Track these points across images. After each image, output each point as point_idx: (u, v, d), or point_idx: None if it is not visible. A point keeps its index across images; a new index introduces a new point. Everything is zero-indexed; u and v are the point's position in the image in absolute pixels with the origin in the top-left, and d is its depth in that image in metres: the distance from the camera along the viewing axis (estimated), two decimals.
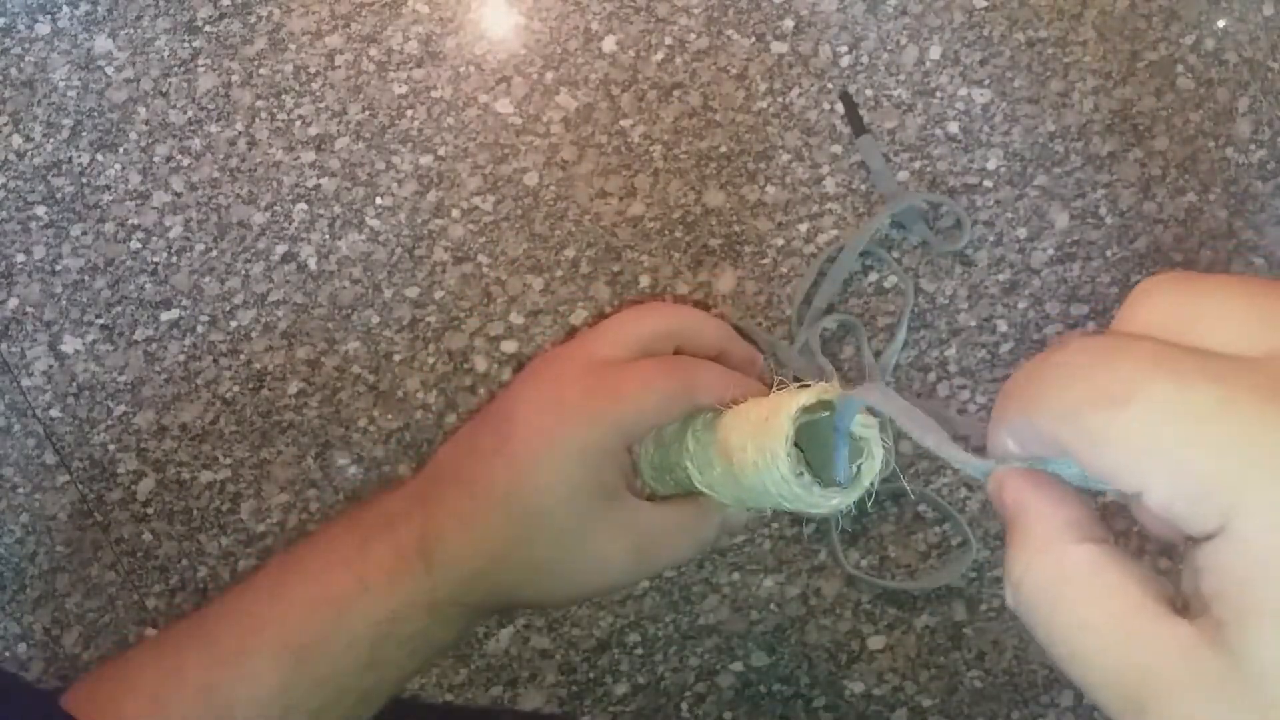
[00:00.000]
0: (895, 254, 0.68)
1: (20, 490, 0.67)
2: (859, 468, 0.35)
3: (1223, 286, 0.18)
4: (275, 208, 0.68)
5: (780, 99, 0.68)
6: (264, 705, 0.35)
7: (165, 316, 0.68)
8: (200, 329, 0.68)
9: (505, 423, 0.35)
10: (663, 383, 0.35)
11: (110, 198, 0.68)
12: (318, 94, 0.69)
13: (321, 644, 0.35)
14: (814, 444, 0.35)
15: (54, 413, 0.68)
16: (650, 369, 0.35)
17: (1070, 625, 0.19)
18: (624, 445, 0.35)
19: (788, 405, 0.33)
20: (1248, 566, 0.16)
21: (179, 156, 0.68)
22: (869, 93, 0.68)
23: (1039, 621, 0.19)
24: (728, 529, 0.41)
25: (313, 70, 0.69)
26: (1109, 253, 0.69)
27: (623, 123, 0.68)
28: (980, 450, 0.23)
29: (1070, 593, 0.19)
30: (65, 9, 0.69)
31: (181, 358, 0.68)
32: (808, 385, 0.33)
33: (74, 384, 0.68)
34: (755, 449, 0.33)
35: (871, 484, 0.35)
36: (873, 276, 0.68)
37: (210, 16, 0.69)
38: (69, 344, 0.68)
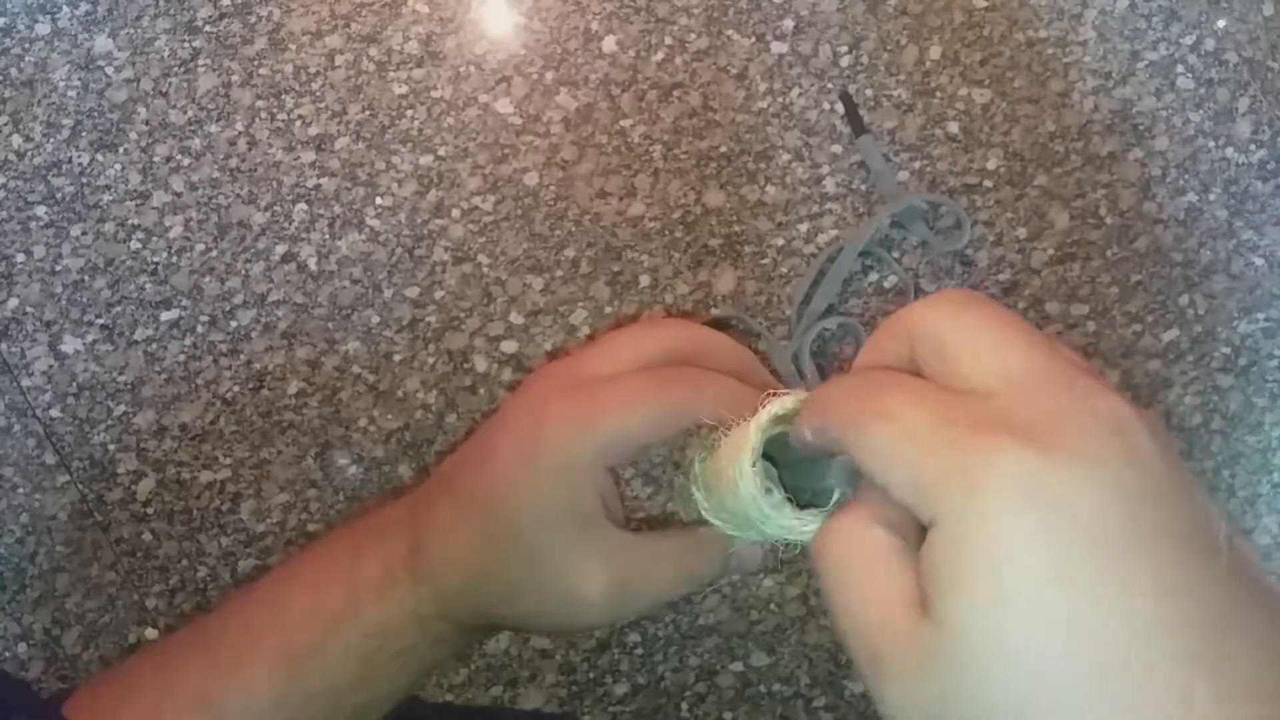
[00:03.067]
0: (895, 254, 0.68)
1: (20, 490, 0.67)
2: (843, 493, 0.31)
3: (976, 327, 0.23)
4: (275, 208, 0.68)
5: (780, 99, 0.68)
6: (257, 717, 0.35)
7: (165, 316, 0.68)
8: (200, 329, 0.68)
9: (495, 436, 0.35)
10: (651, 398, 0.33)
11: (110, 198, 0.68)
12: (318, 94, 0.69)
13: (315, 656, 0.35)
14: (805, 466, 0.32)
15: (54, 413, 0.68)
16: (638, 383, 0.34)
17: (842, 589, 0.24)
18: (603, 465, 0.33)
19: (758, 416, 0.31)
20: (942, 554, 0.21)
21: (179, 156, 0.69)
22: (869, 93, 0.68)
23: (824, 575, 0.24)
24: (740, 565, 0.38)
25: (313, 70, 0.69)
26: (1109, 253, 0.69)
27: (623, 123, 0.68)
28: None
29: (852, 565, 0.24)
30: (65, 9, 0.69)
31: (181, 358, 0.68)
32: (785, 394, 0.31)
33: (74, 384, 0.68)
34: (730, 464, 0.31)
35: None
36: (873, 276, 0.68)
37: (210, 16, 0.69)
38: (69, 344, 0.68)
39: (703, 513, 0.35)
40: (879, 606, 0.23)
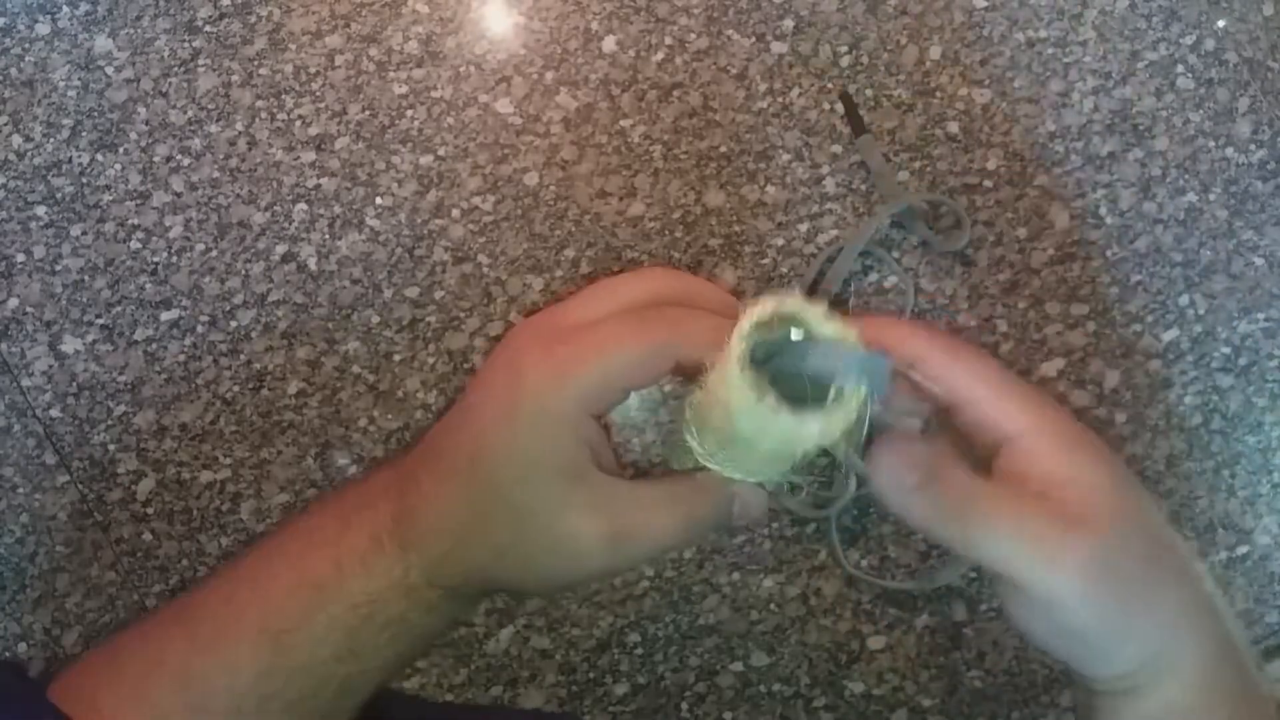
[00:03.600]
0: (895, 254, 0.68)
1: (20, 490, 0.67)
2: (842, 390, 0.29)
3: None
4: (275, 208, 0.68)
5: (780, 99, 0.68)
6: (240, 694, 0.34)
7: (165, 316, 0.68)
8: (200, 329, 0.68)
9: (473, 396, 0.33)
10: (631, 340, 0.31)
11: (110, 198, 0.68)
12: (318, 94, 0.69)
13: (299, 630, 0.34)
14: (797, 380, 0.30)
15: (54, 413, 0.68)
16: (616, 326, 0.32)
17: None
18: (587, 414, 0.32)
19: (739, 324, 0.29)
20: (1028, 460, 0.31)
21: (179, 156, 0.69)
22: (869, 93, 0.68)
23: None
24: (745, 512, 0.37)
25: (313, 70, 0.69)
26: (1109, 253, 0.69)
27: (623, 123, 0.68)
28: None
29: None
30: (65, 9, 0.69)
31: (181, 358, 0.68)
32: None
33: (74, 384, 0.68)
34: (719, 386, 0.29)
35: (862, 407, 0.28)
36: (873, 276, 0.68)
37: (210, 16, 0.69)
38: (69, 344, 0.68)
39: (699, 458, 0.33)
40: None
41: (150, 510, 0.68)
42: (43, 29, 0.69)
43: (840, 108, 0.68)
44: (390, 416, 0.68)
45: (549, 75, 0.68)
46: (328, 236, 0.68)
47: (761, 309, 0.29)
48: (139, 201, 0.68)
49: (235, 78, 0.69)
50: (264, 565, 0.36)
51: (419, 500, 0.33)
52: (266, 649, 0.34)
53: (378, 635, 0.35)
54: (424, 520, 0.33)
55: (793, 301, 0.29)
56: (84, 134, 0.69)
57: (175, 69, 0.69)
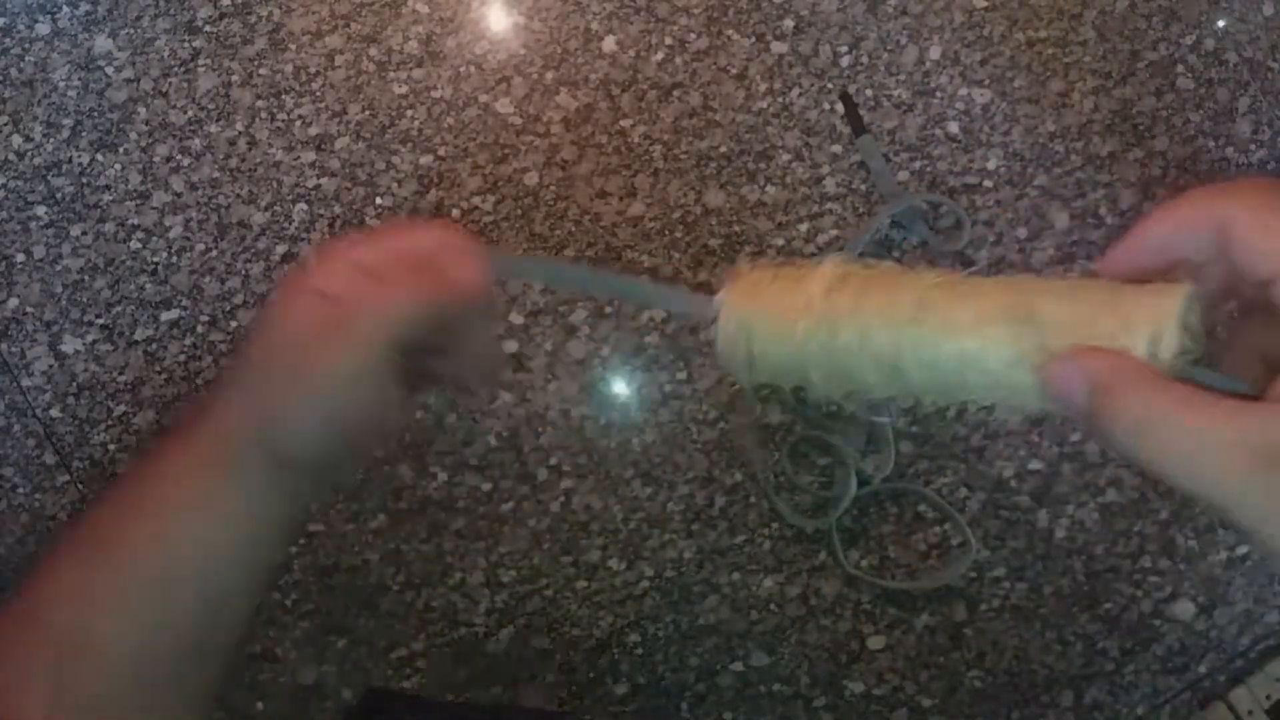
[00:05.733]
0: (895, 254, 0.68)
1: (20, 490, 0.67)
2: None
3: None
4: (275, 208, 0.68)
5: (780, 99, 0.68)
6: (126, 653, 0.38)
7: (165, 316, 0.68)
8: (200, 329, 0.68)
9: (297, 327, 0.39)
10: (404, 303, 0.37)
11: (110, 198, 0.68)
12: (318, 94, 0.69)
13: (188, 542, 0.38)
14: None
15: (54, 413, 0.68)
16: (411, 281, 0.38)
17: (1177, 447, 0.26)
18: (391, 356, 0.37)
19: (1174, 291, 0.28)
20: None
21: (179, 156, 0.69)
22: (869, 93, 0.68)
23: (1145, 447, 0.27)
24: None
25: (313, 70, 0.69)
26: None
27: (623, 123, 0.68)
28: None
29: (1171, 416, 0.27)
30: (65, 9, 0.69)
31: (181, 358, 0.68)
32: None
33: (74, 384, 0.68)
34: (1125, 329, 0.29)
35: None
36: None
37: (210, 16, 0.69)
38: (69, 344, 0.68)
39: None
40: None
41: None
42: (43, 29, 0.69)
43: (840, 108, 0.68)
44: None
45: (549, 75, 0.68)
46: (328, 236, 0.68)
47: (1181, 292, 0.29)
48: (139, 201, 0.68)
49: (235, 78, 0.69)
50: (138, 499, 0.39)
51: (280, 412, 0.39)
52: (158, 559, 0.38)
53: (255, 536, 0.39)
54: (286, 423, 0.38)
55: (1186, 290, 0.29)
56: (84, 134, 0.69)
57: (175, 69, 0.69)
